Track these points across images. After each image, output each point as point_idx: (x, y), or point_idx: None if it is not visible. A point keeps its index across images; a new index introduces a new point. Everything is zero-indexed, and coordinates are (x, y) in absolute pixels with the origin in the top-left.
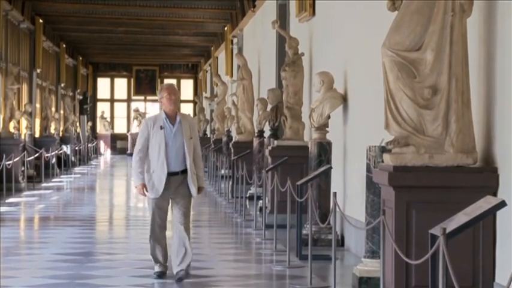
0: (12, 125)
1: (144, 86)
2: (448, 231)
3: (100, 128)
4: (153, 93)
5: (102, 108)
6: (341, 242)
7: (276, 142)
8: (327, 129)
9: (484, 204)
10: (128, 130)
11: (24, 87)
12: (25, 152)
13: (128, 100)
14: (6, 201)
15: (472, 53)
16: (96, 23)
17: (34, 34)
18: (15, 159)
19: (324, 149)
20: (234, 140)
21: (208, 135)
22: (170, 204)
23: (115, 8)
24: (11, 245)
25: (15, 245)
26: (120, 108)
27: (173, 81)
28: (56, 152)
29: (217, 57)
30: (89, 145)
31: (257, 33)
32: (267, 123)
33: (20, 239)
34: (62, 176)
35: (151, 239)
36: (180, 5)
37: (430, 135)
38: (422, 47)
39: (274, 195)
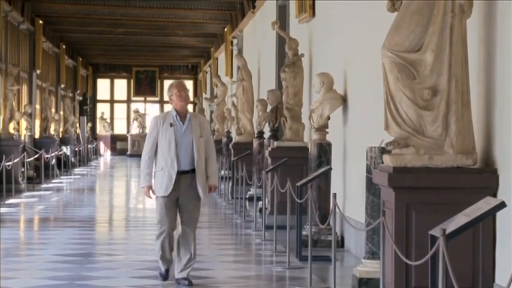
0: (12, 126)
1: (144, 87)
2: (447, 232)
3: (100, 129)
4: (153, 94)
5: (102, 109)
6: (341, 243)
7: (275, 143)
8: (326, 130)
9: (484, 205)
10: (128, 131)
11: (24, 88)
12: (25, 153)
13: (128, 101)
14: (6, 202)
15: (472, 54)
16: (96, 24)
17: (34, 35)
18: (15, 160)
19: (324, 150)
20: (233, 141)
21: None
22: (178, 205)
23: (115, 9)
24: (11, 246)
25: (15, 246)
26: (120, 109)
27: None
28: (56, 153)
29: (217, 58)
30: (89, 146)
31: (257, 34)
32: (267, 124)
33: (19, 240)
34: (61, 177)
35: (160, 240)
36: (179, 6)
37: (430, 136)
38: (422, 48)
39: (274, 196)
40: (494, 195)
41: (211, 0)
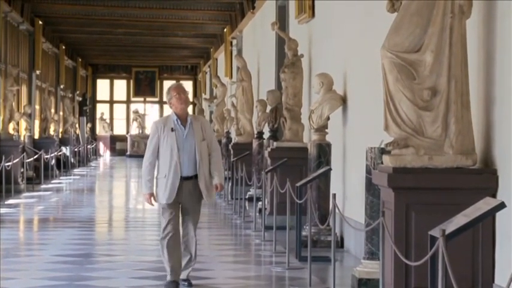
0: (11, 127)
1: (144, 87)
2: (447, 232)
3: (99, 130)
4: (153, 94)
5: (102, 109)
6: (340, 244)
7: (275, 143)
8: (326, 130)
9: (484, 205)
10: (128, 132)
11: (24, 89)
12: (24, 153)
13: (128, 102)
14: (6, 202)
15: (472, 55)
16: (95, 24)
17: (33, 35)
18: (15, 161)
19: (324, 151)
20: (233, 141)
21: None
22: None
23: (114, 9)
24: (11, 246)
25: (14, 246)
26: (120, 110)
27: (172, 83)
28: (56, 153)
29: (216, 59)
30: (88, 147)
31: (256, 34)
32: (267, 124)
33: (19, 240)
34: (61, 178)
35: (164, 246)
36: (179, 6)
37: (430, 136)
38: (421, 48)
39: (274, 197)
40: (494, 195)
41: (210, 1)
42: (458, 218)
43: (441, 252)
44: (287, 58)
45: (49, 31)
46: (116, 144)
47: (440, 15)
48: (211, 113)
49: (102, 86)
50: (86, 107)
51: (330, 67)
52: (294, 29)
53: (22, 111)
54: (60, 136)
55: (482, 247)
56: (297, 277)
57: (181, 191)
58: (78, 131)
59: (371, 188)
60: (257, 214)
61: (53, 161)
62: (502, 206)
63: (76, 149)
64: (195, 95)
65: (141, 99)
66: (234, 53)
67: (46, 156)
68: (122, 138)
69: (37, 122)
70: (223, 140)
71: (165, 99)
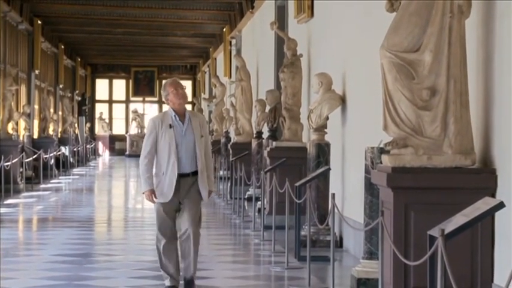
0: (10, 126)
1: (143, 87)
2: (446, 232)
3: (98, 129)
4: (152, 94)
5: (101, 109)
6: (339, 243)
7: (274, 143)
8: (325, 130)
9: (483, 205)
10: (127, 131)
11: (23, 89)
12: (23, 153)
13: (127, 101)
14: (5, 202)
15: (471, 55)
16: (94, 24)
17: (32, 35)
18: (14, 161)
19: (323, 150)
20: (232, 141)
21: None
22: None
23: (113, 9)
24: (10, 246)
25: (13, 246)
26: (119, 110)
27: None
28: (55, 153)
29: (215, 59)
30: (88, 146)
31: (256, 34)
32: (266, 124)
33: (18, 240)
34: (60, 177)
35: (160, 250)
36: (178, 6)
37: (429, 136)
38: (420, 48)
39: (273, 197)
40: (493, 195)
41: (210, 1)
42: (458, 217)
43: (440, 252)
44: (286, 58)
45: (48, 31)
46: (115, 143)
47: (439, 15)
48: (210, 112)
49: (101, 86)
50: (85, 107)
51: (329, 67)
52: (293, 28)
53: (21, 111)
54: (59, 136)
55: (481, 247)
56: (296, 277)
57: (178, 189)
58: (77, 131)
59: (370, 188)
60: (256, 214)
61: (52, 161)
62: (501, 205)
63: (75, 149)
64: (194, 94)
65: (140, 98)
66: (233, 52)
67: (45, 156)
68: (121, 138)
69: (36, 122)
70: (222, 140)
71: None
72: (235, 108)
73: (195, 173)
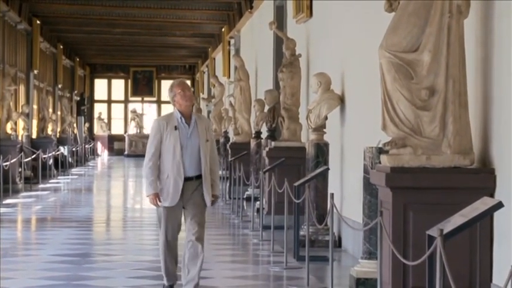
0: (9, 126)
1: (142, 87)
2: (445, 232)
3: (97, 129)
4: (151, 94)
5: (100, 109)
6: (338, 243)
7: (273, 143)
8: (324, 130)
9: (481, 205)
10: (125, 131)
11: (22, 89)
12: (22, 153)
13: (125, 101)
14: (4, 202)
15: (469, 55)
16: (93, 24)
17: (31, 35)
18: (13, 160)
19: (321, 150)
20: (231, 141)
21: None
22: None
23: (112, 9)
24: (9, 246)
25: (12, 246)
26: (118, 110)
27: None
28: (53, 153)
29: (214, 58)
30: (86, 146)
31: (254, 34)
32: (264, 124)
33: (17, 240)
34: (59, 177)
35: (163, 253)
36: (177, 6)
37: (427, 136)
38: (419, 48)
39: (272, 196)
40: (492, 195)
41: (208, 1)
42: (456, 217)
43: (439, 251)
44: (285, 58)
45: (47, 31)
46: (114, 143)
47: (438, 15)
48: (209, 112)
49: (100, 86)
50: (84, 107)
51: (328, 67)
52: (292, 28)
53: (20, 110)
54: (58, 136)
55: (480, 247)
56: (294, 277)
57: (184, 193)
58: (76, 131)
59: (369, 188)
60: (255, 214)
61: (51, 161)
62: (499, 205)
63: (74, 149)
64: (193, 94)
65: (139, 98)
66: (232, 52)
67: (44, 156)
68: (120, 138)
69: (35, 122)
70: (221, 140)
71: (163, 98)
72: (234, 108)
73: (199, 177)
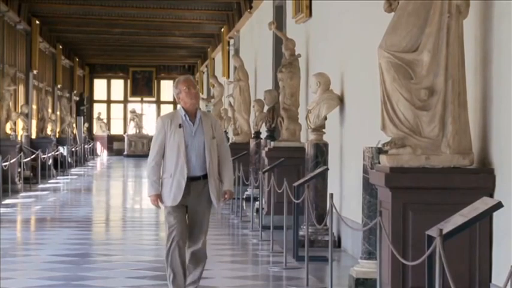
0: (8, 126)
1: (141, 87)
2: (444, 232)
3: (97, 129)
4: (150, 94)
5: (99, 109)
6: (338, 243)
7: (272, 143)
8: (323, 130)
9: (481, 205)
10: (125, 131)
11: (21, 89)
12: (21, 153)
13: (125, 101)
14: (3, 202)
15: (469, 55)
16: (92, 24)
17: (30, 35)
18: (12, 161)
19: (321, 150)
20: (230, 141)
21: None
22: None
23: (112, 9)
24: (8, 246)
25: (11, 246)
26: (117, 110)
27: (170, 83)
28: (53, 153)
29: (213, 59)
30: (86, 146)
31: (254, 34)
32: (264, 124)
33: (16, 240)
34: (58, 177)
35: (169, 256)
36: (176, 6)
37: (427, 136)
38: (418, 48)
39: (271, 197)
40: (491, 195)
41: (208, 1)
42: (456, 217)
43: (438, 252)
44: (284, 58)
45: (46, 31)
46: (113, 144)
47: (438, 15)
48: (208, 112)
49: (99, 86)
50: (83, 107)
51: (327, 67)
52: (291, 28)
53: (19, 111)
54: (57, 136)
55: (479, 247)
56: (294, 277)
57: (188, 193)
58: (75, 131)
59: (368, 188)
60: (254, 214)
61: (50, 161)
62: (499, 205)
63: (73, 149)
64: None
65: (138, 99)
66: (231, 52)
67: (43, 156)
68: (119, 138)
69: (34, 122)
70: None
71: (162, 98)
72: (234, 109)
73: (206, 176)
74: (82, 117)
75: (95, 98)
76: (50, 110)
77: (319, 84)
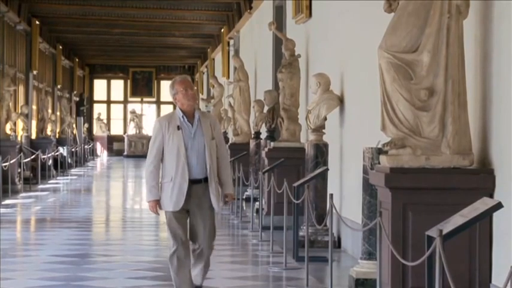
0: (8, 127)
1: (141, 87)
2: (444, 232)
3: (96, 130)
4: (150, 94)
5: (99, 109)
6: (338, 244)
7: (272, 144)
8: (323, 130)
9: (481, 205)
10: (125, 132)
11: (21, 89)
12: (21, 153)
13: (125, 102)
14: (3, 203)
15: (469, 55)
16: (92, 24)
17: (30, 36)
18: (12, 161)
19: (321, 151)
20: (230, 141)
21: None
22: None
23: (111, 9)
24: (8, 246)
25: (11, 247)
26: (117, 110)
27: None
28: (53, 153)
29: (213, 59)
30: (86, 147)
31: (254, 34)
32: (264, 124)
33: (16, 240)
34: (58, 178)
35: (173, 263)
36: (176, 6)
37: (427, 136)
38: (418, 48)
39: (271, 197)
40: (491, 195)
41: (208, 1)
42: (456, 218)
43: (438, 252)
44: (284, 58)
45: (46, 31)
46: (113, 144)
47: (437, 16)
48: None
49: (99, 86)
50: (83, 107)
51: (327, 67)
52: (291, 29)
53: (19, 111)
54: (57, 136)
55: (479, 247)
56: (294, 277)
57: (189, 197)
58: (75, 131)
59: (368, 188)
60: (254, 214)
61: (50, 161)
62: (499, 206)
63: (73, 149)
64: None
65: (138, 99)
66: (231, 53)
67: (43, 157)
68: (119, 139)
69: (34, 122)
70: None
71: (162, 98)
72: (234, 109)
73: (207, 179)
74: (82, 118)
75: (95, 98)
76: (49, 111)
77: (319, 84)
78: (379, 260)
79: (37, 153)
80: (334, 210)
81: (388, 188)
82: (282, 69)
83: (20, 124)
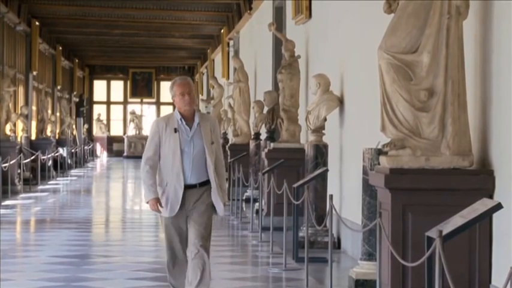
0: (8, 128)
1: (141, 88)
2: (444, 233)
3: (96, 131)
4: (150, 95)
5: (99, 110)
6: (337, 245)
7: (272, 144)
8: (323, 131)
9: (480, 206)
10: (124, 133)
11: (21, 90)
12: (21, 154)
13: (124, 102)
14: (3, 203)
15: (468, 56)
16: (92, 25)
17: (30, 36)
18: (12, 162)
19: (321, 152)
20: (230, 142)
21: None
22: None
23: (111, 10)
24: (8, 247)
25: (11, 247)
26: (117, 111)
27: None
28: (52, 154)
29: (213, 60)
30: (85, 147)
31: (253, 35)
32: (264, 125)
33: (16, 241)
34: (58, 179)
35: (170, 268)
36: (176, 7)
37: (427, 137)
38: (418, 49)
39: (271, 198)
40: (491, 196)
41: (207, 2)
42: (455, 219)
43: (438, 253)
44: (284, 59)
45: (46, 32)
46: (113, 145)
47: (437, 16)
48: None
49: (99, 87)
50: (83, 108)
51: (327, 68)
52: (291, 29)
53: (19, 112)
54: (57, 137)
55: (479, 248)
56: (294, 278)
57: (185, 202)
58: (75, 132)
59: (368, 189)
60: (254, 215)
61: (50, 162)
62: (498, 206)
63: (73, 150)
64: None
65: (138, 100)
66: (231, 54)
67: (43, 157)
68: (119, 139)
69: (34, 123)
70: (220, 141)
71: (162, 99)
72: (233, 110)
73: (203, 184)
74: (82, 119)
75: (95, 99)
76: (49, 111)
77: (318, 85)
78: (378, 260)
79: (37, 154)
80: (334, 211)
81: (387, 188)
82: (282, 70)
83: (20, 125)
